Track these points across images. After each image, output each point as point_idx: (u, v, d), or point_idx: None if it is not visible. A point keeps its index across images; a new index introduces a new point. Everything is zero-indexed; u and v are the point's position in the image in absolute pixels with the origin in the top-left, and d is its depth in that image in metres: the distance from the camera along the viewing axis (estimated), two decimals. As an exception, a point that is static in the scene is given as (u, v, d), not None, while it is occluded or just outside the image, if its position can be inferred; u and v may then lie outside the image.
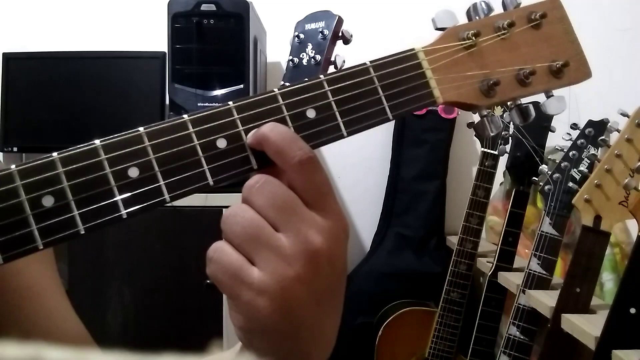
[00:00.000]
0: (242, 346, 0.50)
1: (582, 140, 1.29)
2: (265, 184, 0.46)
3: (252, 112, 0.49)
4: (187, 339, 1.52)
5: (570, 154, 1.30)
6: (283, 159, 0.46)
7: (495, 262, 1.58)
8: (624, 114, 1.13)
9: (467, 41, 0.55)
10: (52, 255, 0.68)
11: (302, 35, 1.19)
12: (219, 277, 0.45)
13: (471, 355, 1.62)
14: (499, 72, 0.55)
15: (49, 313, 0.65)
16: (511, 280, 1.48)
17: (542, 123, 1.48)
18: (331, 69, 1.19)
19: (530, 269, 1.34)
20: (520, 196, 1.55)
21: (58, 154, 0.45)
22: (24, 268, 0.63)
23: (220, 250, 0.45)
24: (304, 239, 0.45)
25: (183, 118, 0.48)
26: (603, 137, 1.20)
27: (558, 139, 1.39)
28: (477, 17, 0.56)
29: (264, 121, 0.49)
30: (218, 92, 1.66)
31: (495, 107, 0.58)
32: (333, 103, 0.51)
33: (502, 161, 1.64)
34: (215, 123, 0.48)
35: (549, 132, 1.50)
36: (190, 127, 0.48)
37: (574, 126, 1.31)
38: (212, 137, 0.48)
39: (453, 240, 1.80)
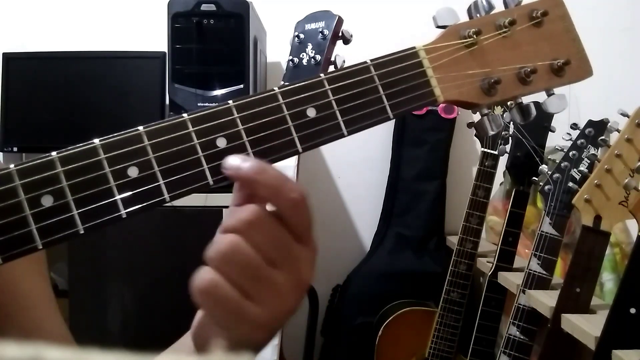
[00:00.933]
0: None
1: (582, 140, 1.29)
2: (264, 222, 0.46)
3: (252, 111, 0.49)
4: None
5: (570, 154, 1.30)
6: (278, 201, 0.47)
7: (495, 262, 1.58)
8: (624, 114, 1.13)
9: (468, 39, 0.55)
10: (45, 263, 0.67)
11: (302, 35, 1.19)
12: (214, 310, 0.46)
13: (471, 355, 1.61)
14: (500, 71, 0.55)
15: (36, 326, 0.65)
16: (511, 280, 1.48)
17: (542, 123, 1.48)
18: (331, 68, 1.18)
19: (530, 269, 1.34)
20: (520, 196, 1.55)
21: (57, 154, 0.45)
22: (17, 281, 0.63)
23: (216, 284, 0.45)
24: (298, 275, 0.47)
25: (182, 117, 0.48)
26: (603, 137, 1.20)
27: (558, 139, 1.39)
28: (478, 15, 0.56)
29: (265, 120, 0.49)
30: (218, 92, 1.66)
31: (496, 106, 0.57)
32: (333, 102, 0.51)
33: (502, 161, 1.64)
34: (215, 122, 0.48)
35: (549, 132, 1.50)
36: (189, 126, 0.48)
37: (574, 126, 1.31)
38: (212, 136, 0.48)
39: (453, 240, 1.80)
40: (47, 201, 0.44)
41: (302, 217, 0.47)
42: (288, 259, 0.47)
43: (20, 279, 0.63)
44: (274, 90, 0.50)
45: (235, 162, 0.47)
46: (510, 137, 1.56)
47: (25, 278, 0.64)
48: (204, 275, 0.46)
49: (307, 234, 0.48)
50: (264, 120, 0.49)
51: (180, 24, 1.65)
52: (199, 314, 0.50)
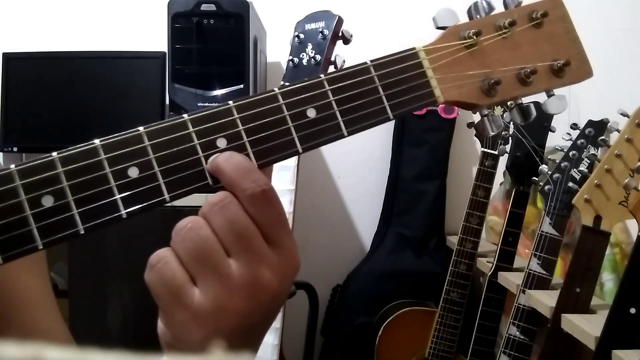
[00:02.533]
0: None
1: (582, 140, 1.29)
2: (229, 205, 0.45)
3: (252, 111, 0.49)
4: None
5: (570, 154, 1.30)
6: (235, 191, 0.45)
7: (495, 262, 1.58)
8: (624, 114, 1.13)
9: (468, 40, 0.55)
10: (45, 263, 0.67)
11: (302, 35, 1.19)
12: (157, 289, 0.45)
13: (471, 355, 1.62)
14: (500, 72, 0.55)
15: (35, 325, 0.64)
16: (511, 280, 1.48)
17: (542, 123, 1.48)
18: (331, 68, 1.18)
19: (530, 269, 1.34)
20: (520, 196, 1.55)
21: (57, 154, 0.45)
22: (15, 280, 0.63)
23: (165, 262, 0.44)
24: (253, 273, 0.44)
25: (183, 117, 0.48)
26: (603, 137, 1.20)
27: (558, 139, 1.39)
28: (478, 16, 0.56)
29: (265, 120, 0.49)
30: (218, 92, 1.66)
31: (496, 106, 0.57)
32: (333, 102, 0.51)
33: (502, 161, 1.64)
34: (216, 122, 0.48)
35: (549, 132, 1.50)
36: (190, 126, 0.48)
37: (574, 126, 1.31)
38: (212, 137, 0.48)
39: (453, 240, 1.80)
40: (48, 201, 0.44)
41: (264, 212, 0.45)
42: (246, 253, 0.44)
43: (19, 277, 0.63)
44: (274, 90, 0.50)
45: (212, 158, 0.47)
46: (510, 137, 1.56)
47: (24, 276, 0.64)
48: (156, 252, 0.45)
49: (273, 234, 0.45)
50: (264, 120, 0.49)
51: (180, 24, 1.65)
52: None
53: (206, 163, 0.47)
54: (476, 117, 0.58)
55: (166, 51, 1.70)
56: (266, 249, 0.45)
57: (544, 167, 1.35)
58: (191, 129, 0.48)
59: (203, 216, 0.45)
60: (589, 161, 1.28)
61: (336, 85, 0.51)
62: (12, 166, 0.44)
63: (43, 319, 0.66)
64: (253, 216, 0.45)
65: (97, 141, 0.46)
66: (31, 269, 0.64)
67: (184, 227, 0.45)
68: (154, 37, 1.90)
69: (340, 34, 1.18)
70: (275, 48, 2.02)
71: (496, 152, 1.64)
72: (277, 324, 1.38)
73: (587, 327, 1.08)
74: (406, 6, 2.10)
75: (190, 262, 0.44)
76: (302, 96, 0.50)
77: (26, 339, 0.63)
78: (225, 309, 0.44)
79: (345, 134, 0.51)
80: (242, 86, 1.65)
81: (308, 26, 1.20)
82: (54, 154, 0.45)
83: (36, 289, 0.66)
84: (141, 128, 0.47)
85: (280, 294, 0.45)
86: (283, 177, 1.29)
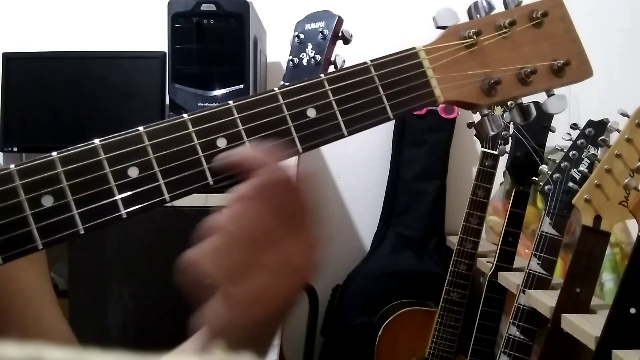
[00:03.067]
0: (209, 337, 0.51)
1: (582, 140, 1.29)
2: (250, 201, 0.46)
3: (252, 111, 0.49)
4: (187, 339, 1.52)
5: (570, 154, 1.30)
6: (258, 176, 0.47)
7: (495, 262, 1.57)
8: (624, 114, 1.13)
9: (468, 40, 0.55)
10: (45, 261, 0.68)
11: (302, 35, 1.19)
12: (221, 274, 0.46)
13: (471, 355, 1.62)
14: (500, 71, 0.55)
15: (36, 321, 0.65)
16: (511, 280, 1.48)
17: (542, 123, 1.48)
18: (331, 69, 1.18)
19: (530, 269, 1.34)
20: (520, 196, 1.55)
21: (57, 154, 0.45)
22: (15, 276, 0.63)
23: (226, 248, 0.46)
24: (285, 260, 0.47)
25: (183, 117, 0.48)
26: (603, 137, 1.20)
27: (558, 139, 1.39)
28: (478, 16, 0.56)
29: (265, 120, 0.49)
30: (218, 92, 1.66)
31: (496, 106, 0.57)
32: (333, 102, 0.51)
33: (502, 161, 1.64)
34: (216, 122, 0.48)
35: (549, 132, 1.50)
36: (190, 126, 0.48)
37: (574, 126, 1.31)
38: (212, 137, 0.48)
39: (453, 240, 1.80)
40: (48, 201, 0.44)
41: (284, 198, 0.47)
42: (275, 243, 0.46)
43: (19, 274, 0.63)
44: (274, 90, 0.50)
45: (226, 153, 0.48)
46: (510, 137, 1.56)
47: (24, 273, 0.64)
48: (210, 239, 0.46)
49: (299, 222, 0.47)
50: (264, 120, 0.49)
51: (180, 24, 1.65)
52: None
53: (206, 163, 0.47)
54: (476, 117, 0.58)
55: (166, 51, 1.70)
56: (311, 228, 0.48)
57: (544, 167, 1.35)
58: (191, 129, 0.48)
59: (248, 201, 0.46)
60: (589, 161, 1.28)
61: (336, 85, 0.51)
62: (12, 166, 0.44)
63: (44, 315, 0.66)
64: (276, 202, 0.47)
65: (97, 141, 0.46)
66: (31, 266, 0.64)
67: (235, 214, 0.46)
68: (154, 37, 1.90)
69: (340, 34, 1.18)
70: (275, 48, 2.02)
71: (496, 152, 1.64)
72: (277, 324, 1.38)
73: (587, 327, 1.08)
74: (406, 6, 2.10)
75: (251, 247, 0.46)
76: (302, 96, 0.50)
77: (27, 335, 0.63)
78: (264, 297, 0.47)
79: (345, 133, 0.51)
80: (242, 86, 1.65)
81: (308, 26, 1.19)
82: (54, 153, 0.45)
83: (37, 285, 0.66)
84: (141, 128, 0.47)
85: (312, 269, 0.49)
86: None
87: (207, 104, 1.63)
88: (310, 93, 0.50)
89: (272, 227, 0.46)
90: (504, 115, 0.61)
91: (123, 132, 0.46)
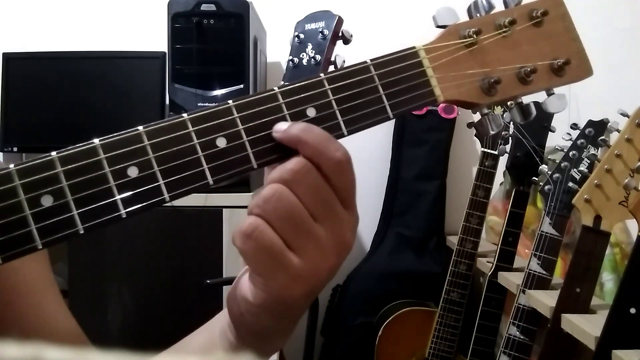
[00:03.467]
0: (236, 324, 0.52)
1: (582, 140, 1.29)
2: (310, 172, 0.47)
3: (251, 110, 0.49)
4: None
5: (570, 154, 1.30)
6: (321, 159, 0.47)
7: (495, 262, 1.58)
8: (624, 114, 1.13)
9: (468, 39, 0.54)
10: (46, 253, 0.68)
11: (302, 35, 1.19)
12: (257, 256, 0.46)
13: (471, 355, 1.62)
14: (500, 70, 0.55)
15: (41, 310, 0.65)
16: (511, 280, 1.48)
17: (542, 123, 1.48)
18: (331, 68, 1.18)
19: (530, 269, 1.34)
20: (520, 196, 1.55)
21: (57, 153, 0.45)
22: (18, 266, 0.63)
23: (261, 229, 0.46)
24: (340, 234, 0.48)
25: (182, 117, 0.48)
26: (603, 137, 1.20)
27: (558, 139, 1.39)
28: (478, 15, 0.56)
29: (265, 120, 0.49)
30: (218, 92, 1.66)
31: (496, 105, 0.57)
32: (333, 101, 0.51)
33: (502, 161, 1.64)
34: (215, 122, 0.48)
35: (549, 132, 1.50)
36: (189, 125, 0.47)
37: (574, 126, 1.31)
38: (212, 136, 0.48)
39: (453, 240, 1.80)
40: (47, 201, 0.44)
41: (345, 178, 0.48)
42: (331, 217, 0.47)
43: (21, 264, 0.63)
44: (274, 90, 0.50)
45: (283, 125, 0.48)
46: (510, 137, 1.56)
47: (26, 263, 0.64)
48: (247, 220, 0.46)
49: (350, 199, 0.48)
50: (264, 120, 0.49)
51: (180, 24, 1.65)
52: (240, 274, 0.51)
53: (206, 163, 0.47)
54: (476, 117, 0.58)
55: (166, 51, 1.70)
56: (344, 212, 0.48)
57: (544, 167, 1.35)
58: (191, 129, 0.47)
59: (285, 183, 0.46)
60: (589, 161, 1.28)
61: (336, 85, 0.51)
62: (12, 166, 0.44)
63: (48, 305, 0.66)
64: (334, 182, 0.47)
65: (96, 141, 0.46)
66: (33, 256, 0.65)
67: (272, 195, 0.46)
68: (154, 37, 1.90)
69: (340, 34, 1.18)
70: (275, 48, 2.02)
71: (496, 152, 1.64)
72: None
73: (587, 327, 1.08)
74: (406, 6, 2.10)
75: (284, 228, 0.46)
76: (302, 95, 0.50)
77: (32, 325, 0.64)
78: (320, 268, 0.47)
79: (345, 133, 0.51)
80: (242, 86, 1.65)
81: (308, 26, 1.19)
82: (53, 153, 0.45)
83: (39, 275, 0.66)
84: (140, 127, 0.47)
85: (352, 247, 0.50)
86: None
87: (207, 104, 1.63)
88: (310, 92, 0.50)
89: (333, 199, 0.47)
90: (504, 115, 0.61)
91: (122, 132, 0.46)
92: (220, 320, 0.55)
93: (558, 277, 1.40)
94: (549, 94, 0.57)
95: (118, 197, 0.45)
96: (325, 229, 0.47)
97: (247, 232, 0.46)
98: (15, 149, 1.89)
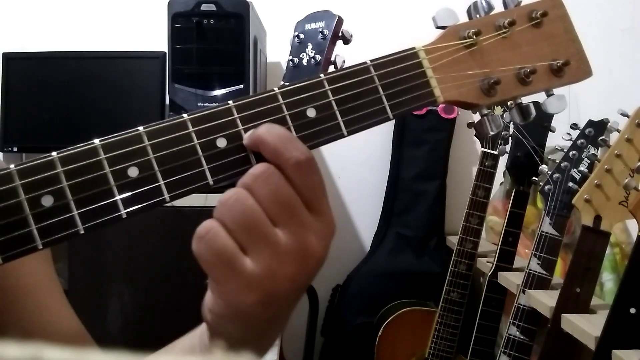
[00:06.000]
0: (210, 332, 0.50)
1: (582, 140, 1.29)
2: (272, 176, 0.45)
3: (252, 111, 0.49)
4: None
5: (570, 154, 1.30)
6: (280, 160, 0.46)
7: (495, 262, 1.58)
8: (624, 114, 1.13)
9: (468, 40, 0.55)
10: (49, 251, 0.68)
11: (302, 35, 1.19)
12: (209, 259, 0.45)
13: (471, 355, 1.61)
14: (500, 71, 0.55)
15: (43, 309, 0.65)
16: (511, 280, 1.48)
17: (542, 123, 1.48)
18: (331, 69, 1.18)
19: (530, 269, 1.34)
20: (520, 196, 1.55)
21: (57, 154, 0.45)
22: (20, 265, 0.63)
23: (214, 232, 0.45)
24: (301, 240, 0.45)
25: (183, 117, 0.48)
26: (603, 137, 1.20)
27: (558, 139, 1.39)
28: (477, 16, 0.56)
29: (263, 120, 0.49)
30: (218, 92, 1.66)
31: (496, 106, 0.57)
32: (333, 102, 0.51)
33: (502, 161, 1.64)
34: (215, 122, 0.48)
35: (549, 132, 1.50)
36: (190, 126, 0.48)
37: (574, 126, 1.31)
38: (212, 137, 0.48)
39: (453, 240, 1.80)
40: (47, 201, 0.44)
41: (308, 179, 0.46)
42: (293, 221, 0.45)
43: (24, 261, 0.63)
44: (274, 90, 0.50)
45: (251, 130, 0.48)
46: (510, 137, 1.56)
47: (29, 261, 0.64)
48: (203, 224, 0.45)
49: (317, 202, 0.47)
50: (264, 120, 0.49)
51: (180, 24, 1.65)
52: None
53: (206, 163, 0.47)
54: (476, 117, 0.58)
55: (166, 51, 1.70)
56: (309, 216, 0.46)
57: (544, 167, 1.35)
58: (191, 129, 0.48)
59: (246, 187, 0.46)
60: (589, 161, 1.28)
61: (336, 85, 0.51)
62: (12, 166, 0.44)
63: (50, 304, 0.66)
64: (296, 184, 0.46)
65: (96, 141, 0.46)
66: (36, 256, 0.65)
67: (229, 198, 0.45)
68: (154, 37, 1.90)
69: (340, 34, 1.18)
70: (275, 48, 2.02)
71: (496, 152, 1.64)
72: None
73: (587, 327, 1.08)
74: (406, 6, 2.10)
75: (239, 231, 0.45)
76: (302, 96, 0.50)
77: (34, 324, 0.64)
78: (276, 275, 0.45)
79: (345, 133, 0.51)
80: (242, 86, 1.65)
81: (308, 26, 1.19)
82: (54, 153, 0.45)
83: (42, 275, 0.66)
84: (141, 128, 0.47)
85: (324, 257, 0.47)
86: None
87: (207, 104, 1.63)
88: (310, 93, 0.50)
89: (295, 203, 0.46)
90: (504, 115, 0.61)
91: (123, 132, 0.46)
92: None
93: (558, 277, 1.40)
94: (549, 94, 0.57)
95: (118, 197, 0.45)
96: (285, 234, 0.45)
97: (200, 234, 0.45)
98: (15, 149, 1.89)
